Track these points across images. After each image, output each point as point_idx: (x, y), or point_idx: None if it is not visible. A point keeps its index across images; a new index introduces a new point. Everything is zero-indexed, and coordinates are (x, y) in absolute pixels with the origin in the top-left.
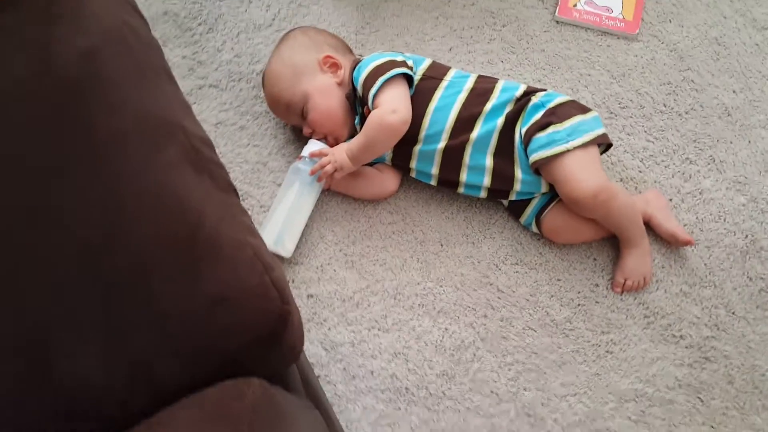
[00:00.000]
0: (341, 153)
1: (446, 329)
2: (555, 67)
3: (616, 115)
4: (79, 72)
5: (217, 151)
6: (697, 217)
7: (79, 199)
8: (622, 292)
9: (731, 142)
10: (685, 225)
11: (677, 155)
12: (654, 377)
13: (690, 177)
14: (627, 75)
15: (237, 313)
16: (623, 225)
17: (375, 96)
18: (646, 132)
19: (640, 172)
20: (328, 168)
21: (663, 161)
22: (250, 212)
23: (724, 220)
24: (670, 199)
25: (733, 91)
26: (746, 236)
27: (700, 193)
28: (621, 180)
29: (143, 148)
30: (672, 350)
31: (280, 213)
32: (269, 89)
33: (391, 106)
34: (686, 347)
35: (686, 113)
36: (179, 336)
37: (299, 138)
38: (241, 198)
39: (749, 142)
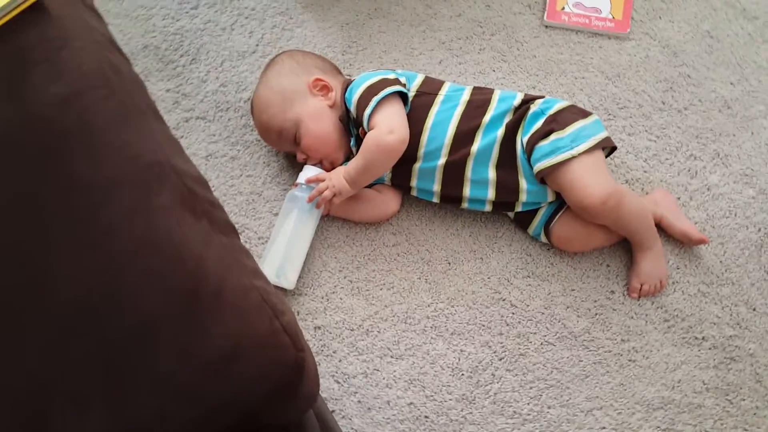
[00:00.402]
0: (339, 177)
1: (462, 351)
2: (548, 73)
3: (615, 117)
4: (59, 120)
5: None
6: (707, 214)
7: (70, 257)
8: (639, 297)
9: (734, 135)
10: (696, 223)
11: (681, 152)
12: (680, 383)
13: (696, 173)
14: (622, 75)
15: (249, 367)
16: (635, 229)
17: (370, 117)
18: (647, 131)
19: (645, 172)
20: (327, 194)
21: (667, 159)
22: (248, 245)
23: (735, 215)
24: (678, 198)
25: (731, 83)
26: (759, 229)
27: (708, 189)
28: (626, 182)
29: (134, 195)
30: (695, 353)
31: (280, 243)
32: (259, 117)
33: (388, 127)
34: (710, 349)
35: (686, 109)
36: (187, 398)
37: (293, 165)
38: (239, 232)
39: (752, 133)
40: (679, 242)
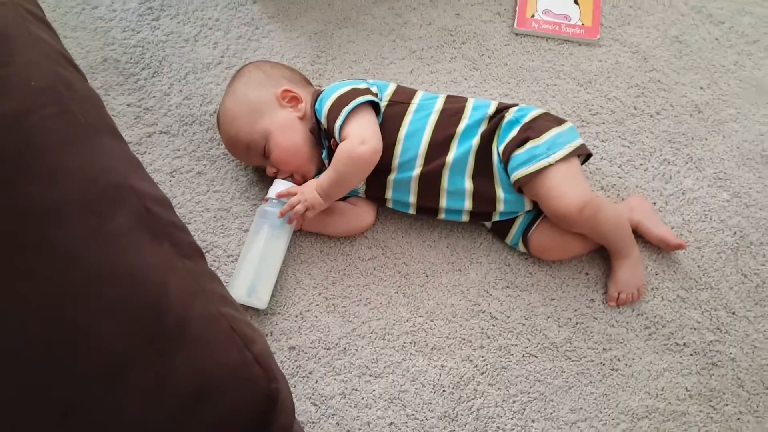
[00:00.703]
0: (311, 191)
1: (442, 366)
2: (520, 80)
3: (587, 123)
4: (4, 140)
5: (174, 201)
6: (683, 219)
7: (19, 289)
8: (618, 305)
9: (706, 139)
10: (672, 227)
11: (654, 157)
12: (663, 390)
13: (670, 178)
14: (593, 81)
15: (219, 405)
16: (612, 237)
17: (341, 128)
18: (620, 137)
19: (620, 178)
20: (299, 208)
21: (641, 165)
22: (217, 263)
23: (711, 219)
24: (654, 203)
25: (701, 88)
26: (734, 233)
27: (683, 194)
28: (602, 188)
29: (88, 220)
30: (677, 359)
31: (251, 261)
32: (226, 130)
33: (360, 137)
34: (691, 354)
35: (657, 114)
36: None
37: (263, 179)
38: (205, 249)
39: (723, 137)
40: (657, 248)
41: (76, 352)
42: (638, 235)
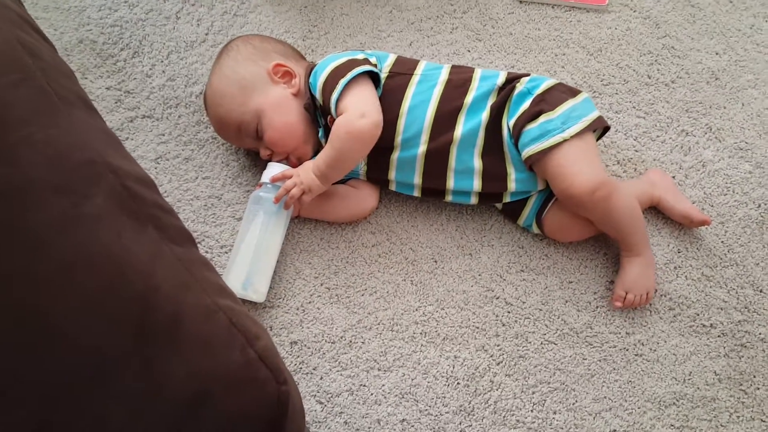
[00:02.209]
0: (307, 173)
1: (455, 357)
2: (527, 50)
3: (600, 94)
4: None
5: (161, 189)
6: (704, 192)
7: None
8: (624, 307)
9: (724, 107)
10: (693, 202)
11: (672, 128)
12: (691, 375)
13: (689, 150)
14: (604, 49)
15: (220, 412)
16: (625, 228)
17: (338, 101)
18: (635, 108)
19: (636, 151)
20: (295, 191)
21: (658, 137)
22: (209, 255)
23: (733, 192)
24: (674, 176)
25: (716, 53)
26: (759, 205)
27: (703, 166)
28: (617, 162)
29: (59, 202)
30: (705, 342)
31: (246, 251)
32: (214, 111)
33: (359, 110)
34: (719, 336)
35: (672, 82)
36: None
37: (256, 162)
38: (197, 241)
39: (742, 105)
40: (679, 224)
41: (51, 356)
42: (660, 211)
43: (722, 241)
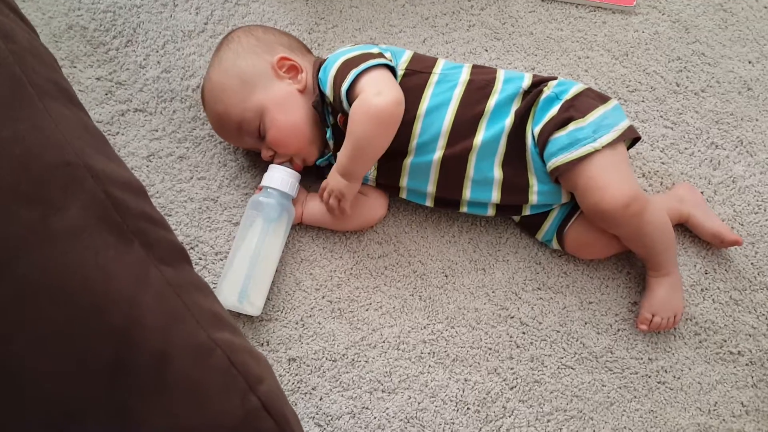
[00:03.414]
0: (333, 176)
1: (466, 380)
2: (548, 52)
3: (625, 101)
4: None
5: (152, 190)
6: (734, 210)
7: None
8: (650, 330)
9: (757, 120)
10: (722, 220)
11: (701, 140)
12: (716, 406)
13: (719, 164)
14: (630, 54)
15: None
16: (656, 245)
17: (349, 90)
18: (662, 117)
19: (663, 164)
20: (332, 203)
21: (687, 149)
22: (203, 262)
23: (765, 210)
24: (702, 192)
25: (749, 62)
26: None
27: (733, 182)
28: (643, 175)
29: (26, 213)
30: (731, 370)
31: (242, 260)
32: (213, 107)
33: (375, 88)
34: (747, 365)
35: (702, 91)
36: None
37: (256, 163)
38: (189, 245)
39: None
40: (706, 243)
41: (10, 402)
42: (687, 229)
43: (752, 263)
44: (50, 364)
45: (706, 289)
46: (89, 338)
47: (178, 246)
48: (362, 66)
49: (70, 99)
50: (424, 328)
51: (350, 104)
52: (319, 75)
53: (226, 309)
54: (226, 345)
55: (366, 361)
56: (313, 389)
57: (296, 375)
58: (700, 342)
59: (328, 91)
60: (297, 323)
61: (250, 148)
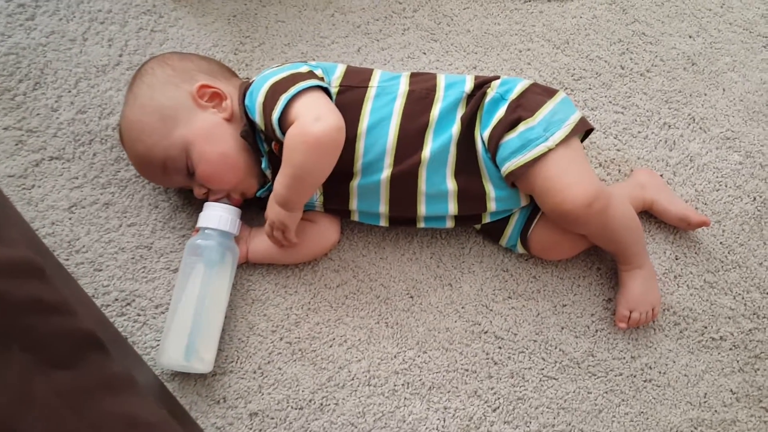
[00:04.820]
0: (271, 207)
1: (446, 408)
2: (488, 48)
3: (572, 90)
4: None
5: (78, 244)
6: (696, 190)
7: None
8: (629, 327)
9: (705, 95)
10: (686, 201)
11: (653, 122)
12: (707, 397)
13: (674, 144)
14: (571, 41)
15: None
16: (624, 239)
17: (281, 117)
18: (611, 102)
19: (618, 150)
20: (276, 236)
21: (640, 132)
22: (142, 317)
23: (726, 186)
24: (661, 175)
25: (690, 36)
26: (754, 198)
27: (691, 160)
28: (600, 164)
29: None
30: (716, 357)
31: (185, 312)
32: (132, 148)
33: (312, 113)
34: (731, 349)
35: (648, 72)
36: None
37: (191, 200)
38: (125, 301)
39: (723, 90)
40: (673, 228)
41: None
42: (651, 215)
43: (721, 242)
44: None
45: (679, 275)
46: None
47: (80, 334)
48: (292, 90)
49: None
50: (395, 357)
51: (284, 133)
52: (245, 102)
53: (172, 370)
54: None
55: (336, 404)
56: None
57: (260, 431)
58: (680, 332)
59: (258, 119)
60: (255, 372)
61: (181, 187)
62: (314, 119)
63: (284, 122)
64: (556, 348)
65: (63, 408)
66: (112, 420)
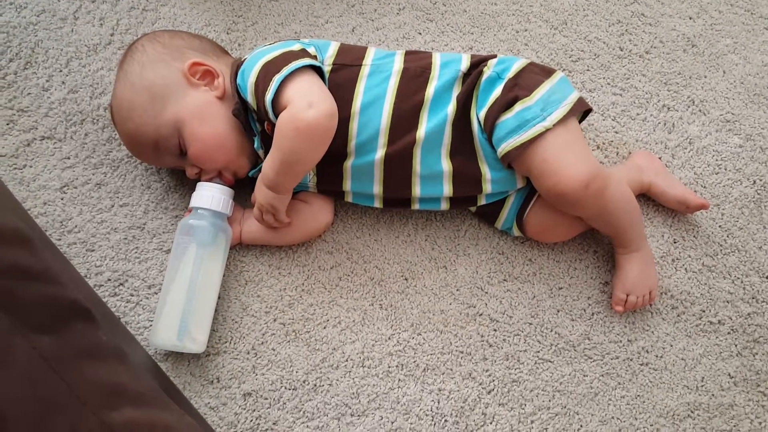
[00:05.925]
0: (259, 189)
1: (440, 390)
2: (485, 29)
3: (570, 71)
4: None
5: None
6: (695, 173)
7: None
8: (625, 310)
9: (705, 77)
10: (685, 185)
11: (652, 104)
12: (704, 381)
13: (673, 126)
14: (569, 22)
15: None
16: (622, 222)
17: (274, 100)
18: (609, 84)
19: (616, 133)
20: (266, 219)
21: (639, 114)
22: (135, 298)
23: (725, 169)
24: (660, 157)
25: (690, 18)
26: (753, 182)
27: (690, 143)
28: (598, 147)
29: None
30: (714, 341)
31: (177, 293)
32: (124, 127)
33: (305, 99)
34: (729, 333)
35: (647, 53)
36: None
37: (184, 181)
38: (118, 281)
39: (724, 72)
40: (672, 211)
41: None
42: (649, 198)
43: (720, 226)
44: None
45: (677, 258)
46: None
47: (66, 302)
48: (285, 71)
49: None
50: (389, 339)
51: (276, 115)
52: (237, 81)
53: (165, 350)
54: (123, 427)
55: (330, 385)
56: (274, 424)
57: (254, 411)
58: (678, 316)
59: (250, 99)
60: (248, 353)
61: (174, 167)
62: (307, 105)
63: (277, 105)
64: (551, 331)
65: (43, 370)
66: (92, 385)
